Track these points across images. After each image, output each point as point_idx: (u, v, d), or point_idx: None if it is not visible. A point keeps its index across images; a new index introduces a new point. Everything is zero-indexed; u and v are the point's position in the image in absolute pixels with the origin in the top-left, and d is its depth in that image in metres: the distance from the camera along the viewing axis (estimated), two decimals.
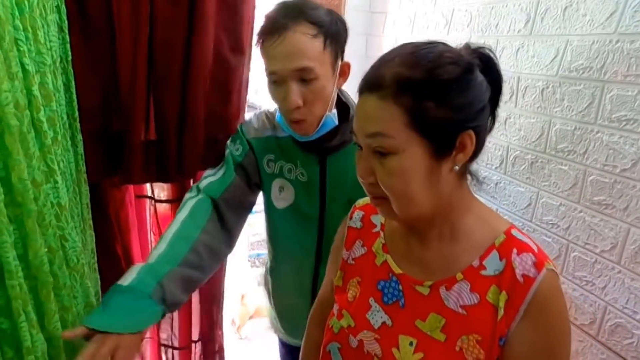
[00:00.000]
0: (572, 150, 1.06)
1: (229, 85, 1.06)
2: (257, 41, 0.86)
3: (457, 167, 0.57)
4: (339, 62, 0.89)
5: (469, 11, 1.38)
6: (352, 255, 0.73)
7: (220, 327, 1.29)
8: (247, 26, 1.06)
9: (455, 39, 1.42)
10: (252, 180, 1.04)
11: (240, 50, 1.06)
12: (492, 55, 0.60)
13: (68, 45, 0.80)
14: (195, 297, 1.21)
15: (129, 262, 1.10)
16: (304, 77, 0.83)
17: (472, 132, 0.56)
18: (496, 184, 1.29)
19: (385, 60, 0.58)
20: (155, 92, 0.99)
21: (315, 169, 0.98)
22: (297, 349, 1.13)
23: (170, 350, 1.23)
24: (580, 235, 1.05)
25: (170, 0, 0.92)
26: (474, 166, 0.64)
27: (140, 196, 1.11)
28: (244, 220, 1.05)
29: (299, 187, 1.01)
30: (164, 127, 1.01)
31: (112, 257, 1.05)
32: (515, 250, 0.58)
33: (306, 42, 0.81)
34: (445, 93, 0.55)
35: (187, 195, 0.96)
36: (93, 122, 0.92)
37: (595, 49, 1.00)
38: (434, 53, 0.56)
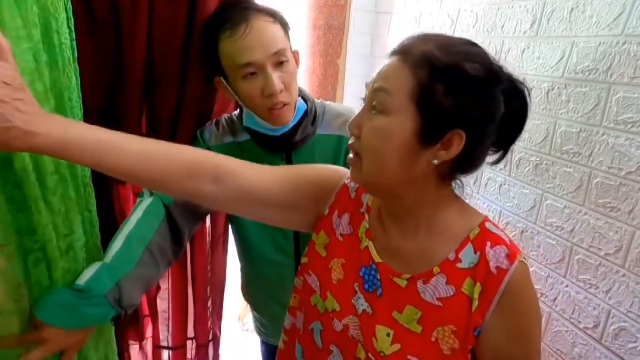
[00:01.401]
0: (577, 152, 1.06)
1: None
2: (216, 38, 0.84)
3: (435, 162, 0.57)
4: (293, 49, 0.91)
5: (475, 12, 1.38)
6: (339, 230, 0.71)
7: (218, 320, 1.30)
8: None
9: None
10: None
11: None
12: (526, 91, 0.60)
13: (74, 44, 0.81)
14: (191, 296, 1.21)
15: None
16: (280, 59, 0.84)
17: (463, 133, 0.56)
18: (500, 185, 1.29)
19: (423, 37, 0.59)
20: (151, 90, 0.99)
21: (282, 165, 0.97)
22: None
23: (165, 350, 1.24)
24: (584, 238, 1.05)
25: (169, 1, 0.93)
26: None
27: (138, 194, 1.12)
28: (195, 228, 1.00)
29: None
30: (158, 125, 1.01)
31: None
32: (489, 243, 0.59)
33: (272, 27, 0.84)
34: (459, 85, 0.55)
35: (139, 199, 0.93)
36: (93, 120, 0.93)
37: (601, 50, 1.00)
38: (468, 48, 0.58)
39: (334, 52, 1.93)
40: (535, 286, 1.17)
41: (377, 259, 0.65)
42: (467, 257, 0.60)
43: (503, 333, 0.58)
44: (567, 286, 1.09)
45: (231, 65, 0.84)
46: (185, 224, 0.93)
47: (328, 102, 1.03)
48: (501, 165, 1.27)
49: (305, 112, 0.94)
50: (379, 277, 0.65)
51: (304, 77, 1.90)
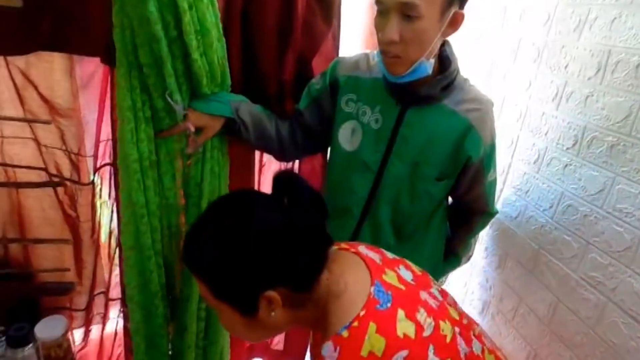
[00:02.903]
0: None
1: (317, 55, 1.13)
2: None
3: (273, 314, 0.64)
4: (453, 10, 0.85)
5: None
6: None
7: None
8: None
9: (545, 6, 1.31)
10: (325, 113, 1.08)
11: (328, 19, 1.11)
12: (294, 181, 0.67)
13: None
14: None
15: None
16: (407, 12, 0.81)
17: (271, 293, 0.62)
18: (565, 166, 1.21)
19: (189, 234, 0.68)
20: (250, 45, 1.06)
21: (393, 117, 0.98)
22: None
23: None
24: None
25: None
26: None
27: None
28: (301, 145, 1.12)
29: (368, 132, 1.01)
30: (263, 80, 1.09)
31: None
32: None
33: None
34: (209, 275, 0.64)
35: None
36: None
37: None
38: (207, 229, 0.65)
39: None
40: (593, 273, 1.11)
41: None
42: None
43: None
44: (629, 276, 1.02)
45: None
46: (301, 135, 1.10)
47: (473, 84, 1.01)
48: (569, 144, 1.19)
49: (445, 70, 0.94)
50: None
51: None
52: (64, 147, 1.13)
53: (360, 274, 0.68)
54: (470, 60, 1.56)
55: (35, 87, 1.06)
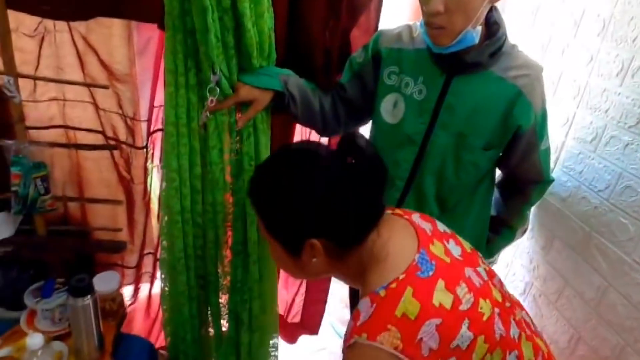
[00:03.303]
0: None
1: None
2: None
3: (315, 260, 0.68)
4: None
5: None
6: None
7: None
8: None
9: None
10: (367, 87, 1.07)
11: None
12: (361, 144, 0.68)
13: None
14: None
15: None
16: None
17: (315, 241, 0.65)
18: (626, 145, 1.15)
19: (258, 167, 0.79)
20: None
21: (437, 87, 0.95)
22: None
23: None
24: None
25: None
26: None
27: None
28: (343, 119, 1.12)
29: (411, 104, 0.99)
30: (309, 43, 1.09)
31: None
32: (351, 316, 0.65)
33: None
34: (265, 210, 0.70)
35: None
36: None
37: None
38: (269, 166, 0.73)
39: None
40: None
41: None
42: None
43: None
44: None
45: None
46: (343, 110, 1.11)
47: (521, 50, 0.98)
48: (632, 122, 1.13)
49: (492, 35, 0.91)
50: None
51: None
52: (120, 112, 1.18)
53: (407, 240, 0.69)
54: (526, 35, 1.48)
55: (96, 52, 1.10)
